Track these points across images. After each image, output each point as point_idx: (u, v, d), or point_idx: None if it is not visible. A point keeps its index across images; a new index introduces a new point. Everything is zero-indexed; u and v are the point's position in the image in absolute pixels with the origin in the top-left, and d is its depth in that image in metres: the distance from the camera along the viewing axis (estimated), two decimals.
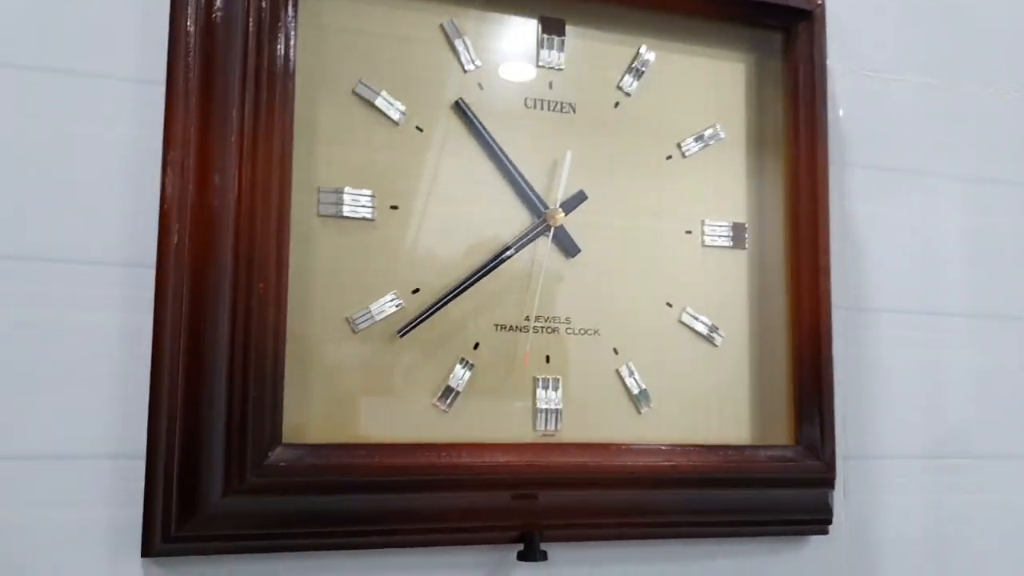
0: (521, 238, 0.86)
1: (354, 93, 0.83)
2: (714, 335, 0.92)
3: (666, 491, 0.87)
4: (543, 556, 0.80)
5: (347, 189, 0.82)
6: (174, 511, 0.73)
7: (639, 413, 0.89)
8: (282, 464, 0.73)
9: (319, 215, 0.81)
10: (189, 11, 0.77)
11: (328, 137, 0.82)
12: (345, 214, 0.81)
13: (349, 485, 0.76)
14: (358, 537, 0.78)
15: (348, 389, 0.80)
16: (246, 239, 0.75)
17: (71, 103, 0.77)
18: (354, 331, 0.81)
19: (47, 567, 0.73)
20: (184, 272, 0.75)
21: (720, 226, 0.94)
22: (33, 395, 0.74)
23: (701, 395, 0.92)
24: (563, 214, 0.87)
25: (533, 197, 0.87)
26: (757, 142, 0.96)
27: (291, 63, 0.78)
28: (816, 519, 0.92)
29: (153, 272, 0.77)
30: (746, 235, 0.95)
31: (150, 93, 0.78)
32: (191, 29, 0.77)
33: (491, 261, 0.85)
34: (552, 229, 0.87)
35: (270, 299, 0.75)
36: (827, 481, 0.90)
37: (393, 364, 0.82)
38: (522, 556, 0.81)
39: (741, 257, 0.95)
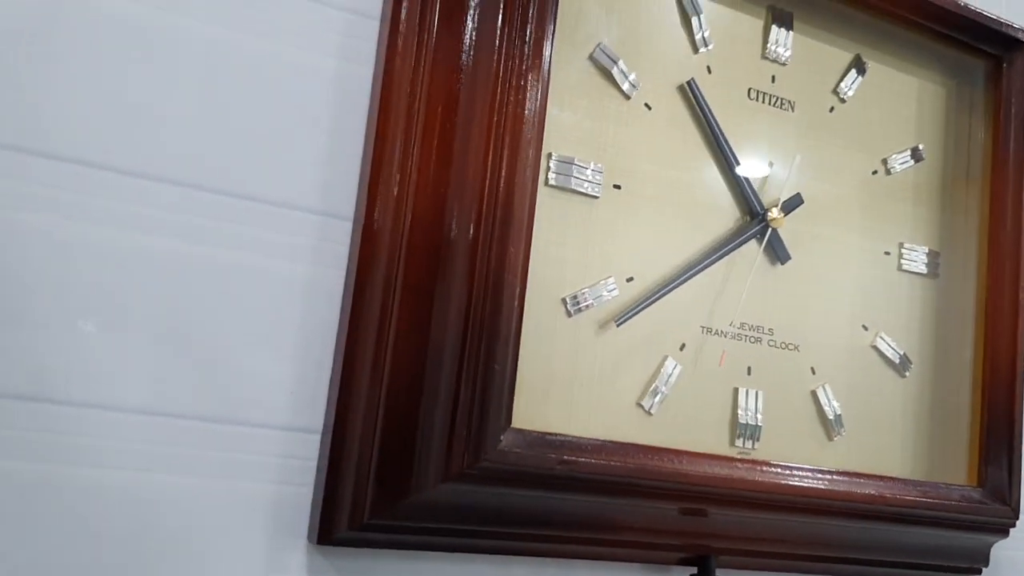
0: (739, 235, 0.80)
1: (591, 58, 0.76)
2: (905, 363, 0.88)
3: (858, 522, 0.81)
4: None
5: (578, 160, 0.74)
6: (369, 495, 0.64)
7: (830, 439, 0.84)
8: (516, 451, 0.65)
9: (547, 184, 0.73)
10: None
11: (562, 101, 0.74)
12: (573, 187, 0.74)
13: (564, 481, 0.68)
14: (564, 543, 0.71)
15: (557, 376, 0.72)
16: (491, 201, 0.67)
17: (282, 29, 0.68)
18: (569, 314, 0.73)
19: (202, 539, 0.63)
20: (403, 229, 0.67)
21: (918, 251, 0.90)
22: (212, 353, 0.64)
23: (887, 425, 0.87)
24: (783, 215, 0.81)
25: (751, 194, 0.81)
26: (954, 169, 0.92)
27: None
28: (973, 566, 0.89)
29: (350, 225, 0.69)
30: (939, 263, 0.91)
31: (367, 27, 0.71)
32: None
33: (710, 256, 0.78)
34: (768, 231, 0.81)
35: (516, 268, 0.67)
36: (1006, 527, 0.86)
37: (603, 355, 0.74)
38: None
39: (932, 286, 0.90)
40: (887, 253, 0.88)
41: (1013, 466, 0.86)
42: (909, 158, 0.90)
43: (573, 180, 0.74)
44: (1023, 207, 0.89)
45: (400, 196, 0.68)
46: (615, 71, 0.76)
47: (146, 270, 0.63)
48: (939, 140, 0.92)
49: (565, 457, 0.67)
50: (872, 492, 0.80)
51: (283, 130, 0.68)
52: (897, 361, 0.87)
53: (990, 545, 0.89)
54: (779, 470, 0.78)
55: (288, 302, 0.67)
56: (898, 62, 0.90)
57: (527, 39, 0.69)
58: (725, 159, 0.80)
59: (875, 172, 0.88)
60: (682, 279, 0.77)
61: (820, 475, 0.79)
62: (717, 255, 0.79)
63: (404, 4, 0.70)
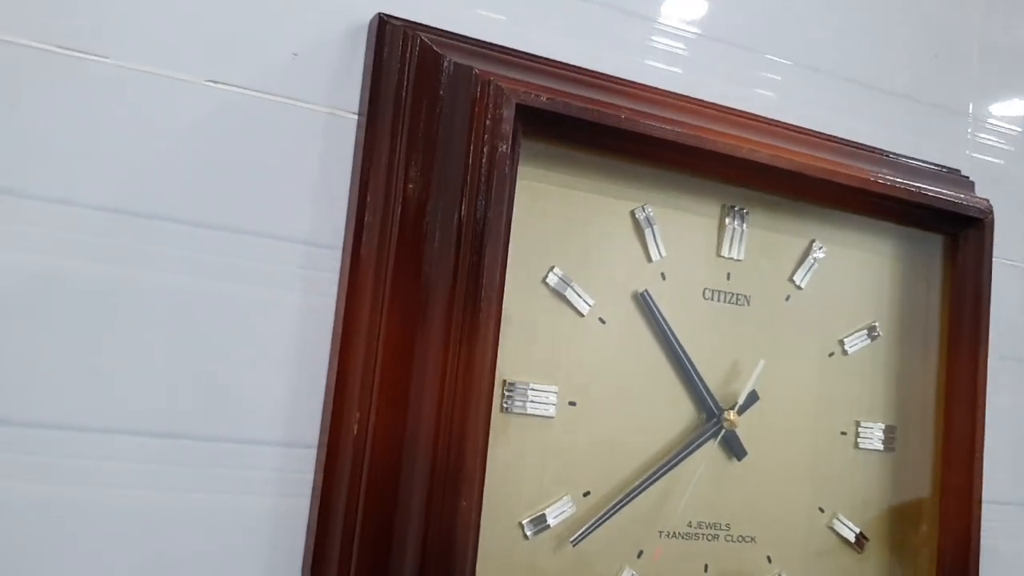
0: (695, 439, 0.83)
1: (544, 282, 0.78)
2: (861, 541, 0.90)
3: None
4: None
5: (533, 384, 0.77)
6: None
7: None
8: None
9: (502, 410, 0.76)
10: (378, 185, 0.72)
11: (518, 327, 0.77)
12: (528, 411, 0.77)
13: None
14: None
15: None
16: (445, 438, 0.70)
17: (245, 269, 0.72)
18: (526, 537, 0.76)
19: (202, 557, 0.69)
20: (362, 469, 0.70)
21: (874, 428, 0.92)
22: None
23: None
24: (738, 417, 0.84)
25: (707, 397, 0.84)
26: (910, 342, 0.94)
27: (505, 249, 0.73)
28: None
29: (314, 452, 0.72)
30: (895, 438, 0.93)
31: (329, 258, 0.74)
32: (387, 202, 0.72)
33: (666, 463, 0.81)
34: (724, 431, 0.84)
35: (468, 521, 0.70)
36: None
37: (560, 574, 0.78)
38: None
39: (889, 461, 0.93)
40: (843, 433, 0.91)
41: None
42: (866, 337, 0.92)
43: (529, 405, 0.77)
44: (977, 381, 0.91)
45: (359, 435, 0.71)
46: (568, 292, 0.79)
47: None
48: (895, 316, 0.94)
49: None
50: None
51: (249, 370, 0.71)
52: (853, 540, 0.90)
53: None
54: None
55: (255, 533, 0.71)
56: (852, 243, 0.92)
57: (481, 273, 0.71)
58: (680, 364, 0.83)
59: (831, 354, 0.91)
60: (638, 489, 0.80)
61: None
62: (672, 461, 0.81)
63: (364, 234, 0.73)
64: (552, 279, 0.78)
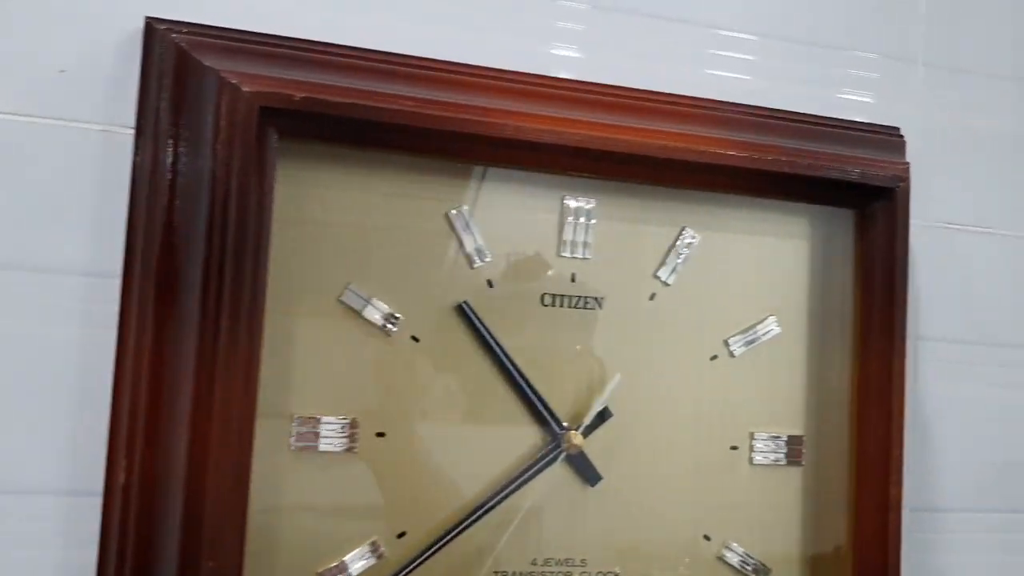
0: (529, 468, 0.73)
1: (340, 301, 0.70)
2: (761, 572, 0.78)
3: None
4: None
5: (325, 418, 0.69)
6: None
7: None
8: None
9: (292, 449, 0.69)
10: (144, 210, 0.65)
11: (308, 355, 0.69)
12: (322, 448, 0.69)
13: None
14: None
15: None
16: (195, 488, 0.63)
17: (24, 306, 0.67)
18: None
19: None
20: (129, 509, 0.64)
21: (773, 439, 0.79)
22: None
23: None
24: (581, 438, 0.73)
25: (548, 417, 0.74)
26: (818, 337, 0.81)
27: (263, 269, 0.66)
28: None
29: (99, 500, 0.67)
30: (803, 449, 0.80)
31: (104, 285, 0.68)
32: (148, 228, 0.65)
33: (491, 498, 0.72)
34: (562, 455, 0.73)
35: (218, 572, 0.63)
36: None
37: None
38: None
39: (795, 475, 0.80)
40: (734, 448, 0.79)
41: None
42: (758, 335, 0.80)
43: (323, 441, 0.69)
44: (892, 374, 0.77)
45: (126, 483, 0.65)
46: (368, 310, 0.70)
47: None
48: (797, 308, 0.81)
49: None
50: None
51: (29, 415, 0.66)
52: (751, 570, 0.78)
53: None
54: None
55: None
56: (736, 227, 0.80)
57: (238, 300, 0.64)
58: (513, 381, 0.73)
59: (714, 357, 0.79)
60: (461, 526, 0.71)
61: None
62: (504, 493, 0.72)
63: (134, 261, 0.67)
64: (349, 297, 0.70)
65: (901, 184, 0.78)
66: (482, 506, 0.71)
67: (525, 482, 0.72)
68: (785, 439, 0.80)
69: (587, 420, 0.74)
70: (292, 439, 0.68)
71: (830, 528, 0.79)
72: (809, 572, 0.79)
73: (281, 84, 0.65)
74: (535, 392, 0.73)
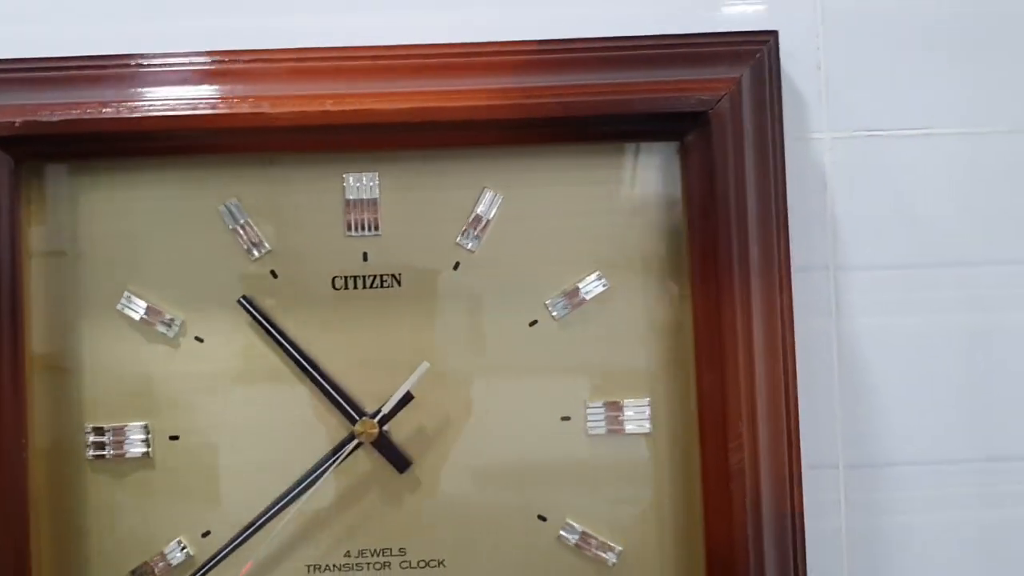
0: (324, 460, 0.70)
1: (119, 311, 0.71)
2: (605, 554, 0.71)
3: None
4: None
5: (111, 426, 0.71)
6: None
7: None
8: None
9: (89, 458, 0.71)
10: None
11: (95, 367, 0.71)
12: (113, 454, 0.70)
13: None
14: None
15: None
16: None
17: None
18: None
19: None
20: None
21: (610, 407, 0.72)
22: None
23: None
24: (375, 425, 0.70)
25: (346, 406, 0.71)
26: (653, 289, 0.72)
27: (21, 284, 0.68)
28: None
29: None
30: (649, 416, 0.72)
31: None
32: None
33: (288, 492, 0.70)
34: (363, 444, 0.70)
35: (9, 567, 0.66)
36: None
37: None
38: None
39: (642, 445, 0.72)
40: (566, 419, 0.72)
41: None
42: (581, 294, 0.72)
43: (111, 449, 0.70)
44: (722, 315, 0.67)
45: None
46: (148, 316, 0.71)
47: None
48: (626, 259, 0.72)
49: None
50: None
51: None
52: (593, 553, 0.71)
53: None
54: None
55: None
56: (546, 180, 0.72)
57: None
58: (305, 372, 0.71)
59: (534, 323, 0.72)
60: (257, 523, 0.70)
61: None
62: (302, 485, 0.70)
63: None
64: (126, 304, 0.71)
65: (715, 106, 0.67)
66: (279, 501, 0.70)
67: (322, 474, 0.70)
68: (625, 405, 0.72)
69: (387, 408, 0.70)
70: (88, 449, 0.70)
71: (680, 500, 0.71)
72: (659, 548, 0.71)
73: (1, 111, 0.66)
74: (327, 381, 0.71)
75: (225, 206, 0.71)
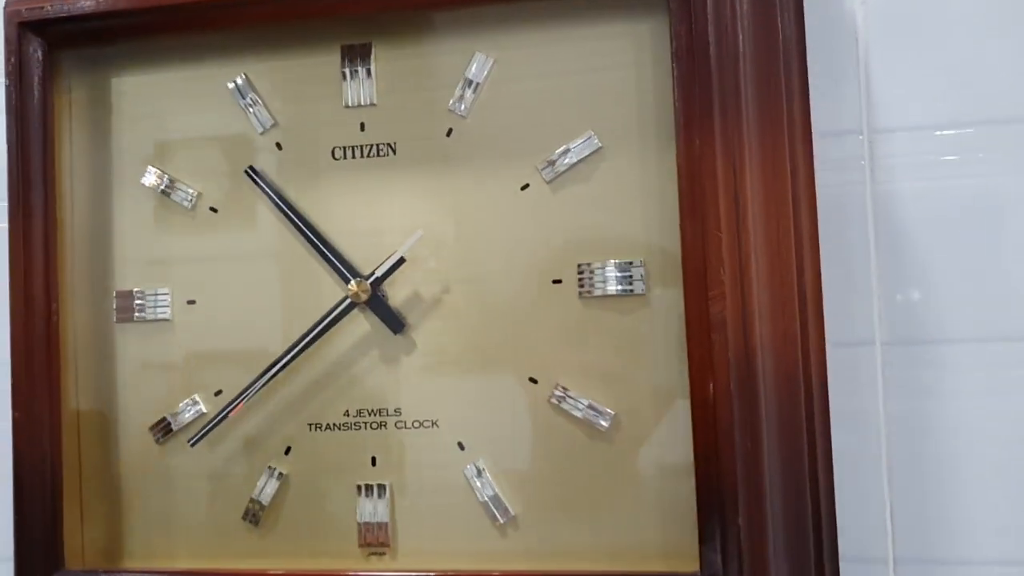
0: (322, 321, 0.72)
1: (142, 184, 0.76)
2: (596, 418, 0.69)
3: None
4: None
5: (137, 291, 0.76)
6: None
7: (494, 525, 0.70)
8: None
9: (116, 321, 0.76)
10: None
11: (121, 234, 0.77)
12: (137, 318, 0.76)
13: None
14: None
15: (154, 507, 0.75)
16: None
17: None
18: (158, 442, 0.75)
19: None
20: None
21: (603, 268, 0.70)
22: None
23: (584, 500, 0.69)
24: (368, 287, 0.71)
25: (340, 268, 0.73)
26: (653, 144, 0.69)
27: (53, 159, 0.74)
28: None
29: None
30: (643, 275, 0.69)
31: None
32: None
33: (289, 351, 0.73)
34: (358, 305, 0.72)
35: (44, 424, 0.73)
36: None
37: (199, 477, 0.75)
38: None
39: (637, 307, 0.69)
40: (557, 282, 0.70)
41: (729, 546, 0.62)
42: (573, 155, 0.70)
43: (136, 312, 0.76)
44: (718, 170, 0.64)
45: None
46: (166, 188, 0.76)
47: None
48: (628, 110, 0.69)
49: None
50: None
51: None
52: (582, 416, 0.69)
53: None
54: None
55: None
56: (540, 38, 0.71)
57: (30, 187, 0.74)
58: (308, 239, 0.73)
59: (526, 186, 0.71)
60: (260, 381, 0.73)
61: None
62: (297, 347, 0.72)
63: None
64: (149, 179, 0.76)
65: None
66: (280, 360, 0.73)
67: (320, 334, 0.72)
68: (617, 265, 0.69)
69: (380, 271, 0.71)
70: (113, 312, 0.76)
71: (673, 362, 0.67)
72: (652, 411, 0.68)
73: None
74: (324, 245, 0.73)
75: (233, 83, 0.75)
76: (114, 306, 0.76)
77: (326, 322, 0.72)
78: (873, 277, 0.71)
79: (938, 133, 0.71)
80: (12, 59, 0.73)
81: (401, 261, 0.71)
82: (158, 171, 0.76)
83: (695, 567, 0.64)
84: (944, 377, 0.69)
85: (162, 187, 0.76)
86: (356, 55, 0.74)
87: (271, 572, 0.71)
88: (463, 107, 0.72)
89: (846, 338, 0.70)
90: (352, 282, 0.71)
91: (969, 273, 0.69)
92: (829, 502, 0.66)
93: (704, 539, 0.63)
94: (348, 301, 0.72)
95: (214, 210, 0.76)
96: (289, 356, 0.73)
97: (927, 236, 0.70)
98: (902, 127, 0.71)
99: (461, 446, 0.71)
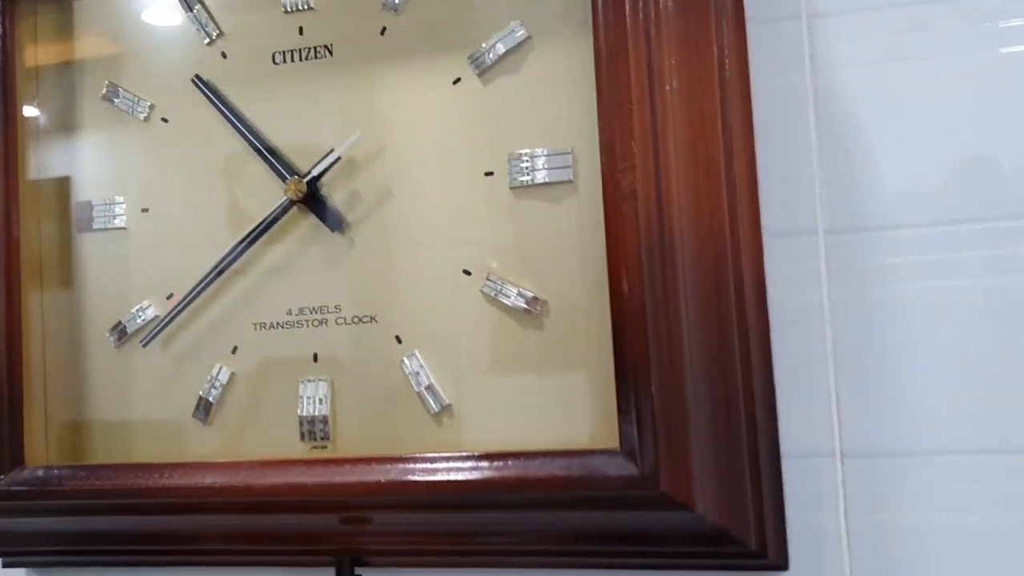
0: (263, 221, 0.74)
1: (104, 99, 0.79)
2: (529, 306, 0.69)
3: (472, 512, 0.67)
4: None
5: (95, 200, 0.79)
6: None
7: (430, 414, 0.70)
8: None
9: (78, 231, 0.79)
10: None
11: (83, 147, 0.80)
12: (96, 227, 0.79)
13: (83, 507, 0.74)
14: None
15: (112, 407, 0.78)
16: None
17: None
18: (115, 346, 0.78)
19: None
20: None
21: (533, 158, 0.69)
22: None
23: (518, 386, 0.69)
24: (304, 185, 0.72)
25: (279, 167, 0.74)
26: (580, 30, 0.68)
27: (11, 75, 0.78)
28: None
29: None
30: (571, 163, 0.68)
31: None
32: None
33: (231, 252, 0.74)
34: (297, 205, 0.73)
35: (3, 330, 0.76)
36: (650, 500, 0.61)
37: (153, 377, 0.77)
38: None
39: (564, 194, 0.69)
40: (489, 174, 0.70)
41: (643, 417, 0.61)
42: (500, 47, 0.70)
43: (97, 221, 0.79)
44: (630, 47, 0.63)
45: None
46: (121, 101, 0.78)
47: None
48: (539, 8, 0.69)
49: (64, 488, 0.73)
50: (472, 475, 0.66)
51: None
52: (511, 304, 0.69)
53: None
54: (351, 466, 0.70)
55: None
56: None
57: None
58: (249, 142, 0.75)
59: (458, 80, 0.71)
60: (204, 282, 0.75)
61: (406, 461, 0.68)
62: (239, 248, 0.74)
63: None
64: (106, 92, 0.79)
65: None
66: (223, 260, 0.75)
67: (261, 234, 0.74)
68: (546, 155, 0.69)
69: (316, 170, 0.73)
70: (74, 221, 0.79)
71: (602, 248, 0.66)
72: (583, 297, 0.67)
73: None
74: (265, 147, 0.74)
75: None
76: (73, 216, 0.79)
77: (266, 222, 0.74)
78: (815, 164, 0.69)
79: (877, 14, 0.68)
80: None
81: (336, 159, 0.72)
82: (114, 85, 0.79)
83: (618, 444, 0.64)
84: (889, 265, 0.67)
85: (117, 100, 0.79)
86: None
87: (218, 462, 0.72)
88: (396, 2, 0.73)
89: (787, 227, 0.68)
90: (289, 180, 0.73)
91: (912, 158, 0.67)
92: (767, 394, 0.64)
93: (621, 410, 0.62)
94: (286, 200, 0.73)
95: (165, 120, 0.78)
96: (232, 256, 0.74)
97: (870, 122, 0.68)
98: (842, 10, 0.69)
99: (398, 339, 0.72)
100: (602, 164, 0.64)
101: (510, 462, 0.65)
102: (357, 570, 0.72)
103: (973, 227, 0.66)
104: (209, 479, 0.70)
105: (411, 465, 0.67)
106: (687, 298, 0.63)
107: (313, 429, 0.73)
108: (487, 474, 0.65)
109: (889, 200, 0.67)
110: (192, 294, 0.75)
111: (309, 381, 0.73)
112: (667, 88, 0.64)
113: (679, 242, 0.63)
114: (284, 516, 0.70)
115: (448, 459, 0.67)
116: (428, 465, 0.66)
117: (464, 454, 0.67)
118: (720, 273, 0.64)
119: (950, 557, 0.65)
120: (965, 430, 0.65)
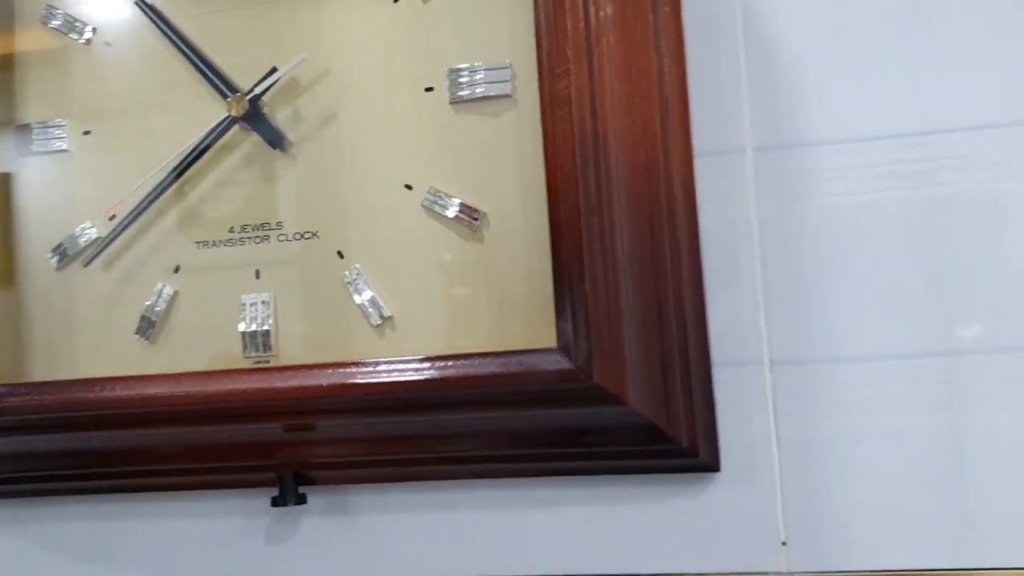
0: (205, 139, 0.75)
1: (41, 23, 0.79)
2: (469, 217, 0.70)
3: (414, 416, 0.69)
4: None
5: (35, 123, 0.79)
6: None
7: (372, 325, 0.72)
8: None
9: (19, 155, 0.79)
10: None
11: (22, 71, 0.80)
12: (36, 150, 0.79)
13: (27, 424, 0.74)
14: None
15: (55, 328, 0.78)
16: None
17: None
18: (57, 267, 0.78)
19: None
20: None
21: (471, 72, 0.71)
22: None
23: (459, 296, 0.70)
24: (245, 102, 0.73)
25: (219, 84, 0.75)
26: None
27: None
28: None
29: None
30: (510, 77, 0.70)
31: None
32: None
33: (174, 171, 0.75)
34: (238, 121, 0.74)
35: None
36: (585, 393, 0.63)
37: (96, 297, 0.77)
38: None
39: (503, 108, 0.70)
40: (429, 89, 0.72)
41: (578, 316, 0.63)
42: None
43: (36, 144, 0.79)
44: None
45: None
46: (60, 24, 0.79)
47: None
48: None
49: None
50: (414, 377, 0.67)
51: None
52: (455, 215, 0.70)
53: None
54: (293, 372, 0.70)
55: None
56: None
57: None
58: (193, 62, 0.75)
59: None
60: (145, 202, 0.75)
61: (355, 367, 0.69)
62: (181, 166, 0.75)
63: None
64: (46, 17, 0.79)
65: None
66: (166, 179, 0.75)
67: (203, 152, 0.74)
68: (484, 67, 0.70)
69: (259, 88, 0.73)
70: (18, 145, 0.79)
71: (541, 160, 0.68)
72: (521, 208, 0.69)
73: None
74: (207, 65, 0.75)
75: None
76: (13, 140, 0.79)
77: (208, 138, 0.74)
78: (743, 84, 0.71)
79: None
80: None
81: (279, 78, 0.73)
82: (54, 8, 0.79)
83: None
84: (814, 180, 0.70)
85: (59, 25, 0.79)
86: None
87: (161, 374, 0.73)
88: None
89: (717, 145, 0.71)
90: (231, 97, 0.74)
91: (838, 76, 0.69)
92: (698, 302, 0.67)
93: (558, 310, 0.64)
94: (228, 117, 0.74)
95: (109, 44, 0.78)
96: (175, 174, 0.75)
97: (797, 40, 0.71)
98: None
99: (340, 254, 0.73)
100: (539, 72, 0.66)
101: (450, 363, 0.66)
102: (301, 489, 0.73)
103: (897, 141, 0.69)
104: (151, 390, 0.70)
105: (353, 369, 0.68)
106: (621, 205, 0.65)
107: (256, 343, 0.73)
108: (428, 374, 0.66)
109: (814, 118, 0.70)
110: (134, 213, 0.75)
111: (251, 297, 0.74)
112: (601, 14, 0.66)
113: (613, 149, 0.65)
114: (227, 427, 0.71)
115: (390, 362, 0.68)
116: (370, 369, 0.67)
117: (406, 358, 0.68)
118: (652, 183, 0.66)
119: (876, 460, 0.67)
120: (890, 337, 0.68)
